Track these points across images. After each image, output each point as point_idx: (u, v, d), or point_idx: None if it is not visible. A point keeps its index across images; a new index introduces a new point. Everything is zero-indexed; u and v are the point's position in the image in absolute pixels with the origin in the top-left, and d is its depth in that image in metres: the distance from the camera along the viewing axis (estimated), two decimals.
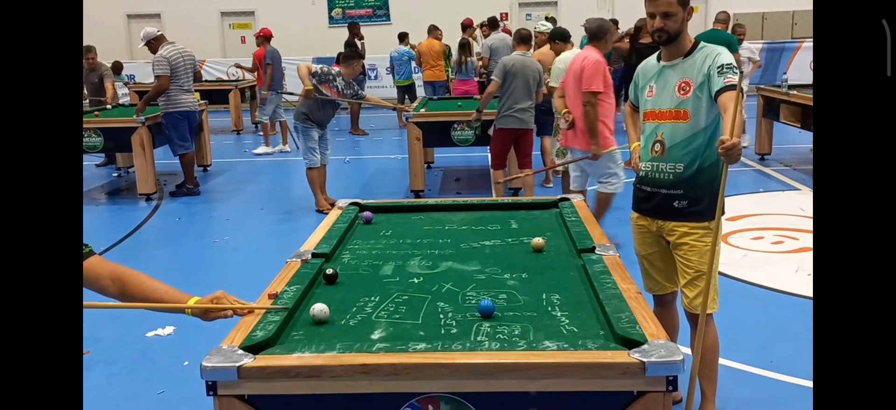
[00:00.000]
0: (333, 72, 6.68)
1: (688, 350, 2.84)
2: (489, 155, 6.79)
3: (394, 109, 7.92)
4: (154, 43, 7.62)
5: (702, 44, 2.88)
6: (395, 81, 12.55)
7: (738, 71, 2.73)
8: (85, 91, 9.71)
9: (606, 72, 5.23)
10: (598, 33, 5.37)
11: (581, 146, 5.33)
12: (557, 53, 6.67)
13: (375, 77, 15.90)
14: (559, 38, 6.78)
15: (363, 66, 7.81)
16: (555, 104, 6.00)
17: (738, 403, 3.23)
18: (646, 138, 3.02)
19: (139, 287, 2.01)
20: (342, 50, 12.01)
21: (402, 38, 12.42)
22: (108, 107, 9.14)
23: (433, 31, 11.52)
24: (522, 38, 6.52)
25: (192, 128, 7.84)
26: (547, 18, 11.53)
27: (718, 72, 2.73)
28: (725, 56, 2.78)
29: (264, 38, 10.31)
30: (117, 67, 11.89)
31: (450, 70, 11.30)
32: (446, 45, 11.51)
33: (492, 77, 6.45)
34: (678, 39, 2.87)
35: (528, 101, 6.22)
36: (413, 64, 12.09)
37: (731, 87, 2.62)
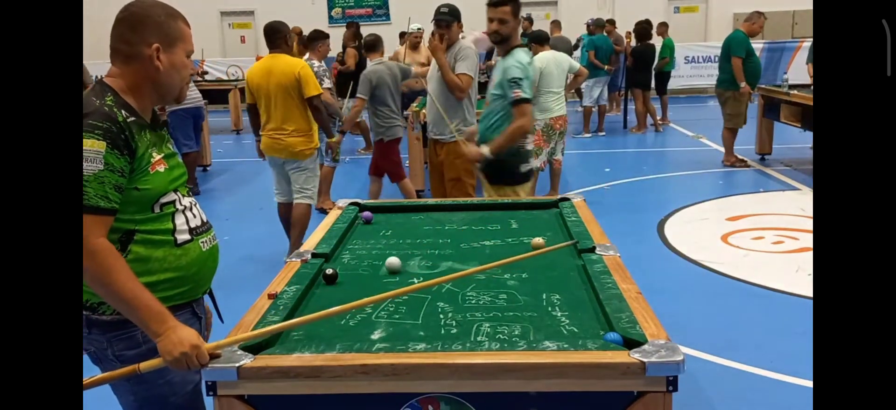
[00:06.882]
0: (317, 68, 6.65)
1: (687, 350, 2.84)
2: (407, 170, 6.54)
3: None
4: None
5: (513, 51, 3.56)
6: None
7: (522, 85, 3.42)
8: None
9: None
10: None
11: None
12: (535, 54, 6.67)
13: None
14: (535, 41, 6.77)
15: (328, 47, 7.65)
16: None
17: (738, 403, 3.23)
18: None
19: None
20: (340, 50, 12.01)
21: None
22: None
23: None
24: (371, 46, 6.47)
25: (198, 126, 7.83)
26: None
27: (509, 86, 3.44)
28: (513, 70, 3.43)
29: None
30: None
31: None
32: None
33: (359, 94, 6.11)
34: (508, 41, 3.58)
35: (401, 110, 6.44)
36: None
37: (517, 102, 3.39)
